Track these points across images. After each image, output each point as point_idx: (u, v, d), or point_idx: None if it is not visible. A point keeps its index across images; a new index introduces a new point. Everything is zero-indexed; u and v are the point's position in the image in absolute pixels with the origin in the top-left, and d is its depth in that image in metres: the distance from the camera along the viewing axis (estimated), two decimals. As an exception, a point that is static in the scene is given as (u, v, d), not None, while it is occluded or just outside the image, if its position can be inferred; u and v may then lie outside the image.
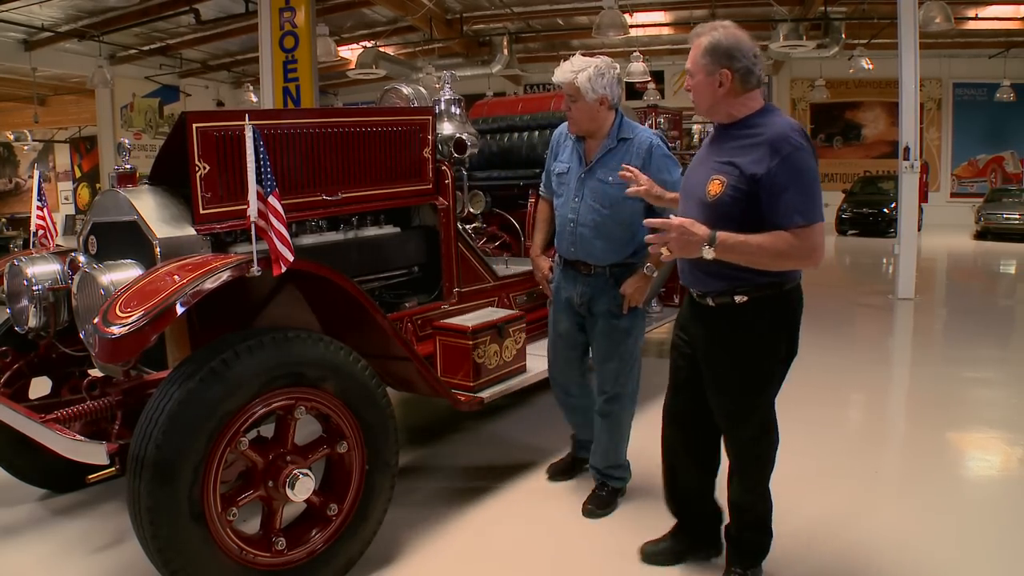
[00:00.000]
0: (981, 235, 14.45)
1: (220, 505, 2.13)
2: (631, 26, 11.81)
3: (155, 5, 11.13)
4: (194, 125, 2.55)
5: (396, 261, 3.39)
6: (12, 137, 19.86)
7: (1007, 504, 3.12)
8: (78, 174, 20.73)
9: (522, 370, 3.42)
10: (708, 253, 2.04)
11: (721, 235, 2.03)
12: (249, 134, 2.16)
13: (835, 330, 6.62)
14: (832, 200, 15.95)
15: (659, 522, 2.67)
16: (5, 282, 2.88)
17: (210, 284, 2.10)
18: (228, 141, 2.62)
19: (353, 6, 11.78)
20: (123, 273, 2.43)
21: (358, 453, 2.44)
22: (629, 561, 2.62)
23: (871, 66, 13.69)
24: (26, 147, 20.43)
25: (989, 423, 4.15)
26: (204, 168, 2.58)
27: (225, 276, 2.14)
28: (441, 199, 3.45)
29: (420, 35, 13.26)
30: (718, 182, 2.11)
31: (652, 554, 2.60)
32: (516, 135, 4.78)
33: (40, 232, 3.22)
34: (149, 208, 2.56)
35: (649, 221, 2.18)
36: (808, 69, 16.99)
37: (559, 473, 3.37)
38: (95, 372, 2.84)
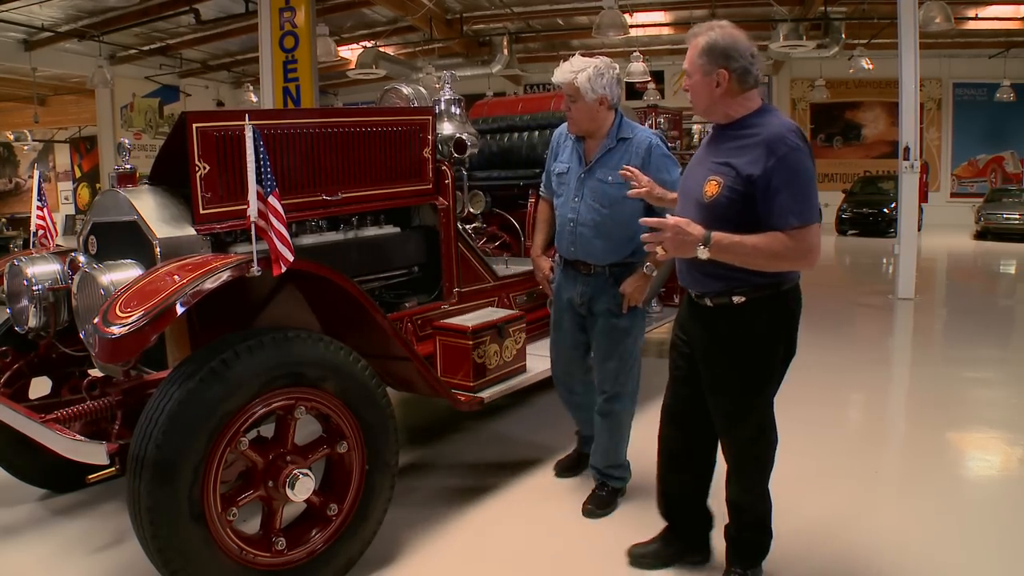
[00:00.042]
0: (981, 235, 14.45)
1: (220, 505, 2.13)
2: (631, 26, 11.82)
3: (155, 5, 11.13)
4: (194, 125, 2.56)
5: (396, 261, 3.39)
6: (12, 137, 19.87)
7: (1007, 504, 3.12)
8: (78, 174, 20.73)
9: (522, 370, 3.42)
10: (703, 253, 2.04)
11: (716, 235, 2.03)
12: (249, 134, 2.16)
13: (835, 330, 6.62)
14: (832, 200, 15.97)
15: (659, 522, 2.66)
16: (5, 282, 2.88)
17: (210, 284, 2.10)
18: (228, 141, 2.62)
19: (353, 6, 11.78)
20: (123, 273, 2.43)
21: (358, 453, 2.44)
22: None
23: (871, 66, 13.69)
24: (26, 147, 20.44)
25: (989, 423, 4.15)
26: (204, 168, 2.58)
27: (225, 276, 2.14)
28: (441, 199, 3.45)
29: (420, 35, 13.26)
30: (715, 183, 2.11)
31: (640, 556, 2.59)
32: (516, 135, 4.78)
33: (40, 232, 3.22)
34: (149, 208, 2.56)
35: (645, 220, 2.18)
36: (808, 69, 16.99)
37: (565, 470, 3.39)
38: (95, 372, 2.84)
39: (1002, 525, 2.91)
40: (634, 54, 13.25)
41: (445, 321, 3.29)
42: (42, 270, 2.80)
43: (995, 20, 13.36)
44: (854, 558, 2.65)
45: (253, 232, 2.19)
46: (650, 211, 2.68)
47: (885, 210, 14.49)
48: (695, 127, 13.14)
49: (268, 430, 2.37)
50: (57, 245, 3.23)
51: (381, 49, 13.38)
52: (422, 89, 3.72)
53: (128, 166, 2.77)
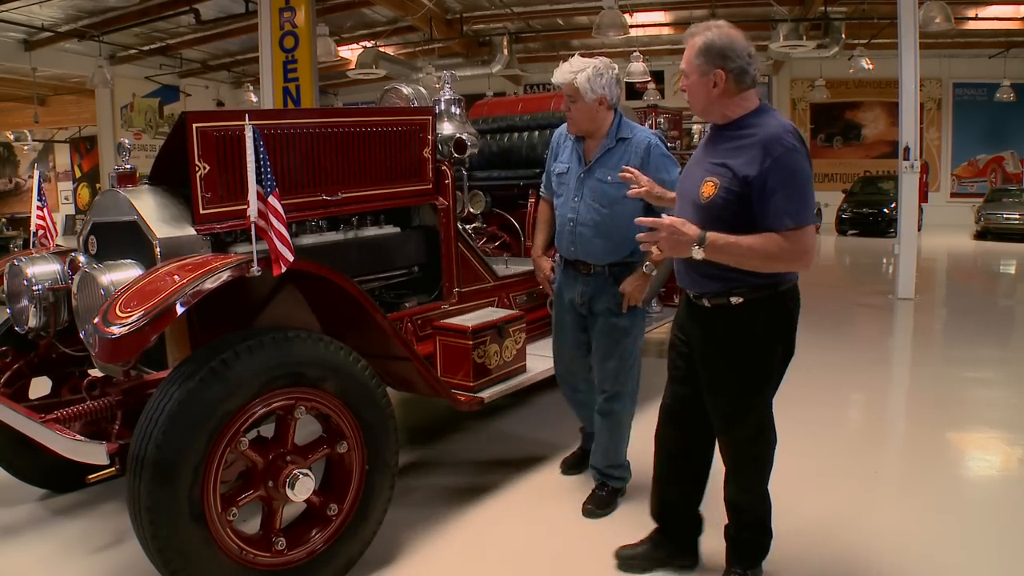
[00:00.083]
0: (981, 235, 14.46)
1: (220, 505, 2.13)
2: (631, 26, 11.82)
3: (155, 5, 11.13)
4: (194, 125, 2.56)
5: (396, 261, 3.39)
6: (12, 137, 19.87)
7: (1007, 504, 3.12)
8: (78, 174, 20.73)
9: (522, 370, 3.42)
10: (697, 253, 2.04)
11: (711, 235, 2.03)
12: (249, 134, 2.16)
13: (835, 330, 6.62)
14: (832, 200, 15.98)
15: (659, 522, 2.67)
16: (5, 282, 2.88)
17: (210, 284, 2.10)
18: (228, 141, 2.62)
19: (353, 6, 11.79)
20: (123, 273, 2.43)
21: (358, 453, 2.44)
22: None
23: (871, 66, 13.69)
24: (26, 147, 20.44)
25: (989, 423, 4.15)
26: (204, 168, 2.58)
27: (225, 276, 2.14)
28: (441, 199, 3.46)
29: (420, 35, 13.26)
30: (711, 184, 2.11)
31: (628, 558, 2.57)
32: (516, 135, 4.78)
33: (40, 232, 3.22)
34: (149, 208, 2.56)
35: (641, 220, 2.18)
36: (808, 69, 17.00)
37: (571, 467, 3.41)
38: (95, 372, 2.84)
39: (1002, 525, 2.91)
40: (634, 54, 13.26)
41: (445, 321, 3.29)
42: (42, 270, 2.80)
43: (995, 20, 13.37)
44: (854, 558, 2.65)
45: (253, 232, 2.19)
46: (649, 211, 2.69)
47: (885, 210, 14.49)
48: (695, 127, 13.12)
49: (268, 430, 2.37)
50: (57, 245, 3.23)
51: (381, 49, 13.38)
52: (422, 89, 3.72)
53: (128, 166, 2.77)
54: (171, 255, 2.45)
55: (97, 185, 18.44)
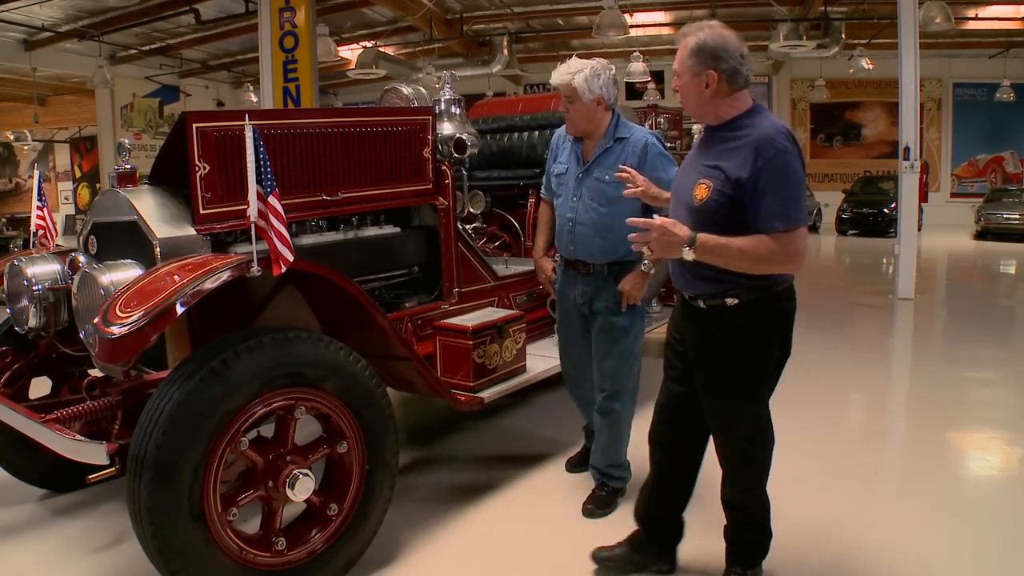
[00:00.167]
0: (981, 235, 14.46)
1: (220, 505, 2.13)
2: (631, 26, 11.82)
3: (155, 5, 11.13)
4: (194, 125, 2.56)
5: (396, 261, 3.39)
6: (12, 137, 19.86)
7: (1007, 504, 3.12)
8: (78, 174, 20.74)
9: (522, 370, 3.42)
10: (688, 254, 2.03)
11: (702, 237, 2.03)
12: (249, 134, 2.16)
13: (835, 330, 6.62)
14: (832, 200, 15.99)
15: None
16: (5, 282, 2.88)
17: (210, 284, 2.10)
18: (228, 141, 2.62)
19: (353, 6, 11.79)
20: (123, 273, 2.43)
21: (358, 453, 2.44)
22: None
23: (871, 66, 13.70)
24: (26, 147, 20.43)
25: (989, 423, 4.15)
26: (204, 168, 2.58)
27: (225, 276, 2.14)
28: (441, 199, 3.46)
29: (420, 35, 13.26)
30: (704, 186, 2.10)
31: (605, 560, 2.55)
32: (516, 135, 4.78)
33: (40, 232, 3.22)
34: (149, 208, 2.57)
35: (632, 220, 2.18)
36: (808, 69, 17.00)
37: (576, 465, 3.42)
38: (95, 372, 2.84)
39: (1002, 525, 2.91)
40: (634, 54, 13.27)
41: (445, 321, 3.29)
42: (42, 270, 2.80)
43: (995, 20, 13.37)
44: (854, 558, 2.65)
45: (253, 232, 2.19)
46: (647, 210, 2.69)
47: (885, 210, 14.50)
48: (695, 127, 13.10)
49: (268, 430, 2.37)
50: (57, 245, 3.23)
51: (381, 49, 13.39)
52: (422, 89, 3.72)
53: (128, 166, 2.77)
54: (171, 255, 2.45)
55: (97, 185, 18.44)
